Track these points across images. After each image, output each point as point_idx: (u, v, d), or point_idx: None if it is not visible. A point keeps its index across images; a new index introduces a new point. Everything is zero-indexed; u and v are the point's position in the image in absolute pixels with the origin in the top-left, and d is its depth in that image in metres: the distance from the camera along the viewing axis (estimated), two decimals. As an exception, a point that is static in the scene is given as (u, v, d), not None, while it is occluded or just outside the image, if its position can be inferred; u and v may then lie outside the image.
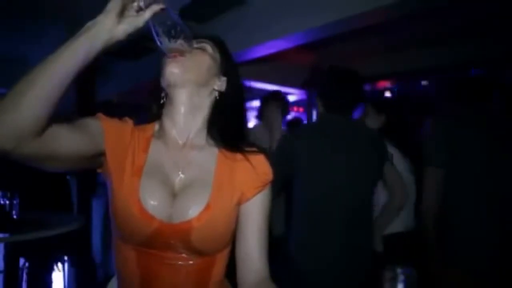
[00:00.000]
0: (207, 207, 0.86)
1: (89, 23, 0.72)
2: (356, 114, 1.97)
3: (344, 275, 1.64)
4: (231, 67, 0.98)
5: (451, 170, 1.65)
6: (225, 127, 0.94)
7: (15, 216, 2.18)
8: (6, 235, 2.03)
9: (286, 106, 2.70)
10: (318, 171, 1.67)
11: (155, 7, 0.76)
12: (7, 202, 2.15)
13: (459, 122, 1.69)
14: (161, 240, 0.84)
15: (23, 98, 0.65)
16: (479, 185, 1.62)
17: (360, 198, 1.71)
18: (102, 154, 0.85)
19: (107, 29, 0.72)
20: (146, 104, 0.99)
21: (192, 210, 0.85)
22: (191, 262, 0.87)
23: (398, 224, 2.10)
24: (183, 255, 0.86)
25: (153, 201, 0.84)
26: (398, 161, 2.09)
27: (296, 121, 3.81)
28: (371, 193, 1.76)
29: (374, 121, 2.27)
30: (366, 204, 1.75)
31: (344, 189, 1.66)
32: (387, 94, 4.78)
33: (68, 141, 0.76)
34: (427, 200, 1.71)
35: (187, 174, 0.90)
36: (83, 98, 3.81)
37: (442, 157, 1.66)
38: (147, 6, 0.76)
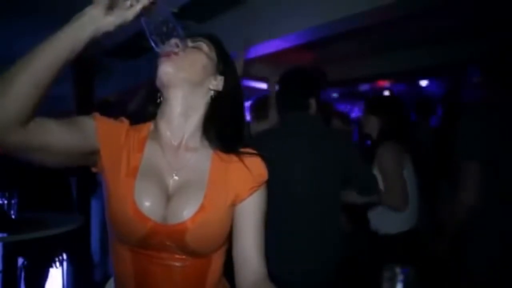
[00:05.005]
0: (201, 208, 0.85)
1: (77, 15, 0.73)
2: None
3: (309, 276, 1.65)
4: (228, 66, 0.97)
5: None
6: (222, 127, 0.94)
7: (13, 216, 2.18)
8: (5, 235, 2.03)
9: None
10: (279, 167, 1.68)
11: (145, 0, 0.76)
12: (6, 201, 2.15)
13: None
14: (156, 241, 0.84)
15: (11, 84, 0.66)
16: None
17: (324, 193, 1.71)
18: (94, 152, 0.84)
19: (94, 20, 0.73)
20: (140, 104, 0.98)
21: (187, 211, 0.85)
22: (186, 262, 0.87)
23: (399, 225, 2.09)
24: (178, 255, 0.86)
25: (147, 202, 0.84)
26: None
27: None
28: (336, 187, 1.75)
29: (373, 122, 2.25)
30: (332, 201, 1.74)
31: (305, 183, 1.69)
32: (386, 93, 4.77)
33: (60, 134, 0.76)
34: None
35: (181, 176, 0.89)
36: (81, 97, 3.81)
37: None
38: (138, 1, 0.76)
